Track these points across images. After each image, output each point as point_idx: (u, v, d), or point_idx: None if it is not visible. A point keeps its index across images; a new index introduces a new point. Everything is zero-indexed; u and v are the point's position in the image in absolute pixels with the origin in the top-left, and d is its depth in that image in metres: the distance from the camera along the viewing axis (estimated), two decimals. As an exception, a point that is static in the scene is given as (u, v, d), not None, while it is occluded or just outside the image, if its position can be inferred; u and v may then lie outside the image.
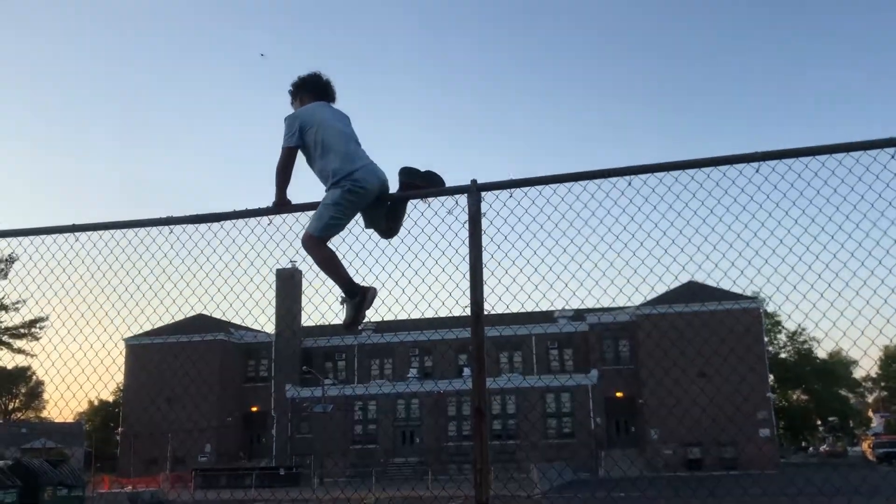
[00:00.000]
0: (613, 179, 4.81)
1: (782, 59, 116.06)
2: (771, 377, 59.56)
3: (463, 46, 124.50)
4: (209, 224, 5.32)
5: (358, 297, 4.47)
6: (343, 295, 4.61)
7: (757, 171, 4.61)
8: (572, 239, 4.98)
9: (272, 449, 58.63)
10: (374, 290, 4.53)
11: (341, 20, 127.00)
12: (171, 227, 5.31)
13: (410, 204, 4.92)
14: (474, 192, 4.73)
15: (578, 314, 57.69)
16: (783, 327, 71.55)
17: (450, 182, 4.88)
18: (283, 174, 4.67)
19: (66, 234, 5.48)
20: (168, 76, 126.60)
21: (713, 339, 45.63)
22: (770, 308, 52.33)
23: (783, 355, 73.42)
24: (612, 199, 4.82)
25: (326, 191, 4.54)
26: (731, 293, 46.43)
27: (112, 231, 5.45)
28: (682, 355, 46.37)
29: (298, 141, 4.59)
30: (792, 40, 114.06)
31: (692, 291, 45.25)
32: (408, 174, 4.86)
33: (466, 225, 4.72)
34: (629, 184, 4.78)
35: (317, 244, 4.54)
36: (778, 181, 4.59)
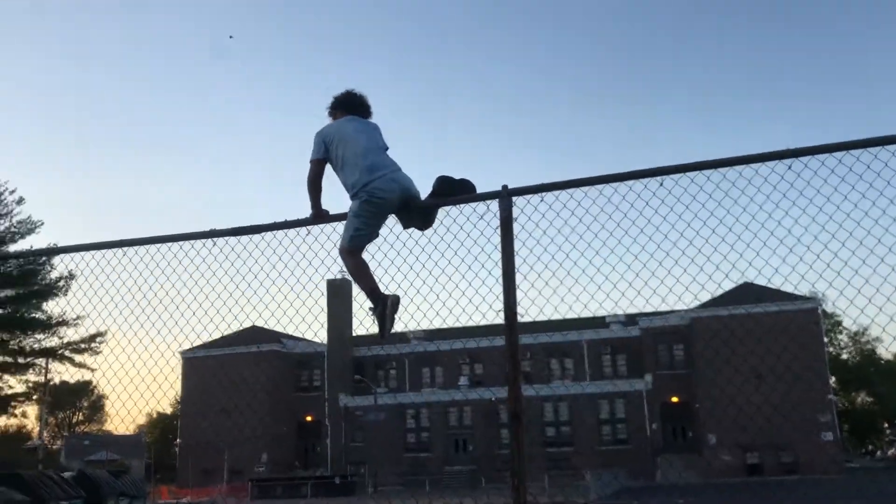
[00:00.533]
0: (648, 181, 4.80)
1: (821, 48, 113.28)
2: (833, 379, 58.00)
3: (492, 51, 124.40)
4: (250, 236, 5.48)
5: (379, 306, 4.58)
6: (370, 304, 4.73)
7: (806, 166, 4.51)
8: (604, 241, 4.98)
9: (327, 458, 59.20)
10: (396, 297, 4.62)
11: (366, 28, 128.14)
12: (215, 239, 5.47)
13: (443, 211, 5.01)
14: (505, 196, 4.77)
15: (631, 319, 57.04)
16: (843, 328, 69.64)
17: (482, 188, 4.94)
18: (312, 186, 4.93)
19: (115, 249, 5.68)
20: (196, 88, 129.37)
21: (770, 341, 44.68)
22: (829, 308, 51.09)
23: (845, 356, 71.44)
24: (654, 199, 4.78)
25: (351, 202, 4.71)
26: (787, 293, 45.44)
27: (158, 245, 5.63)
28: (739, 358, 45.48)
29: (323, 155, 4.85)
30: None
31: (747, 293, 44.44)
32: (440, 182, 4.98)
33: (498, 230, 4.78)
34: (664, 185, 4.76)
35: (348, 254, 4.74)
36: (828, 175, 4.50)
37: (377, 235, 4.80)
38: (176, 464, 63.05)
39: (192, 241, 5.55)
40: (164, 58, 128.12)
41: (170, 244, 5.65)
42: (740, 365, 45.47)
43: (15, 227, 34.55)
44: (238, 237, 5.48)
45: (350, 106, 5.02)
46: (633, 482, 45.85)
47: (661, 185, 4.72)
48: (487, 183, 4.94)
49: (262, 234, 5.46)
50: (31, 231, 32.85)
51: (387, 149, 4.90)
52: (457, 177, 5.02)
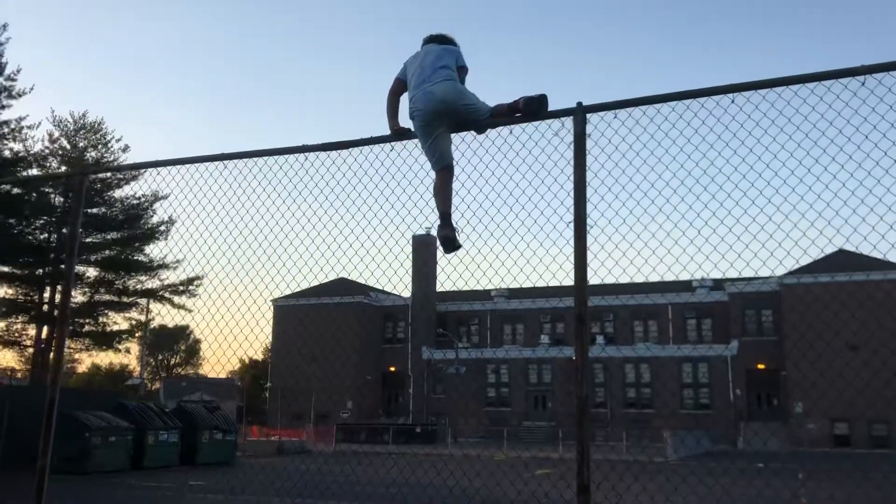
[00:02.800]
0: (725, 99, 4.83)
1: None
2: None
3: None
4: (339, 152, 5.83)
5: (442, 231, 5.02)
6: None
7: None
8: (682, 163, 5.01)
9: (409, 408, 60.72)
10: (441, 236, 4.98)
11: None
12: (307, 154, 5.85)
13: (520, 128, 5.23)
14: (580, 112, 4.97)
15: (718, 284, 55.87)
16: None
17: (556, 105, 5.12)
18: (388, 103, 5.34)
19: (217, 163, 6.15)
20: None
21: (865, 312, 43.07)
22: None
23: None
24: (735, 121, 4.81)
25: None
26: (885, 262, 43.59)
27: (255, 159, 6.05)
28: (831, 328, 43.99)
29: (402, 75, 5.29)
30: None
31: (842, 260, 42.88)
32: (520, 102, 5.12)
33: (572, 146, 4.98)
34: (736, 101, 4.79)
35: (436, 172, 5.12)
36: None
37: (440, 151, 5.02)
38: (266, 407, 65.83)
39: (286, 156, 5.96)
40: None
41: (267, 160, 6.07)
42: (832, 335, 44.01)
43: (122, 174, 36.32)
44: (328, 153, 5.86)
45: (432, 38, 5.41)
46: (714, 447, 45.35)
47: (734, 101, 4.77)
48: (562, 100, 5.07)
49: (350, 150, 5.82)
50: (135, 178, 34.59)
51: (451, 68, 5.08)
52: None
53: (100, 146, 38.65)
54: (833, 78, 4.50)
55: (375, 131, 5.53)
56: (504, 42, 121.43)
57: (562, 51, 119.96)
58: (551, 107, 5.07)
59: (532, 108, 4.99)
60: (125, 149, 39.18)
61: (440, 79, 5.00)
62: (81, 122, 38.62)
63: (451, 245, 5.03)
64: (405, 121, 5.28)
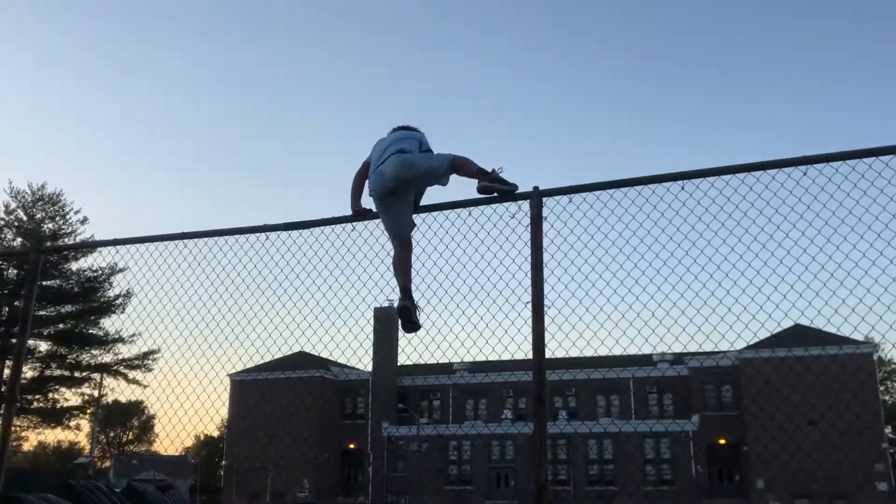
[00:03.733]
0: (686, 184, 5.00)
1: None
2: (889, 428, 56.17)
3: (525, 55, 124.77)
4: (300, 232, 5.89)
5: (401, 302, 5.10)
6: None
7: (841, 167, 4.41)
8: (635, 246, 5.16)
9: (368, 487, 59.29)
10: (399, 308, 5.06)
11: (407, 29, 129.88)
12: (268, 234, 5.89)
13: (478, 210, 5.36)
14: (536, 197, 5.11)
15: (678, 358, 56.32)
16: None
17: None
18: (353, 184, 5.53)
19: (177, 241, 6.15)
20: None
21: (822, 386, 43.65)
22: (886, 354, 49.74)
23: (902, 405, 69.02)
24: (686, 206, 4.97)
25: None
26: (841, 337, 44.44)
27: (216, 238, 6.06)
28: (790, 402, 44.45)
29: (368, 158, 5.48)
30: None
31: (798, 334, 43.61)
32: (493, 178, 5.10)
33: (528, 228, 5.10)
34: (685, 188, 4.98)
35: (394, 246, 5.28)
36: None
37: (398, 224, 5.18)
38: (221, 485, 63.78)
39: (246, 236, 5.99)
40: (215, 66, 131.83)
41: (227, 240, 6.08)
42: (791, 409, 44.43)
43: (78, 245, 35.75)
44: (289, 232, 5.91)
45: (399, 127, 5.56)
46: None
47: (683, 188, 4.97)
48: (520, 184, 5.15)
49: (311, 230, 5.89)
50: (93, 249, 34.05)
51: (409, 151, 5.18)
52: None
53: (57, 217, 38.17)
54: (777, 167, 4.75)
55: (336, 213, 5.61)
56: (462, 123, 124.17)
57: (518, 134, 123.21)
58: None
59: (496, 194, 5.07)
60: (84, 220, 38.72)
61: (389, 155, 5.14)
62: (40, 193, 38.20)
63: (409, 319, 5.07)
64: (370, 202, 5.41)
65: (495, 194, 5.04)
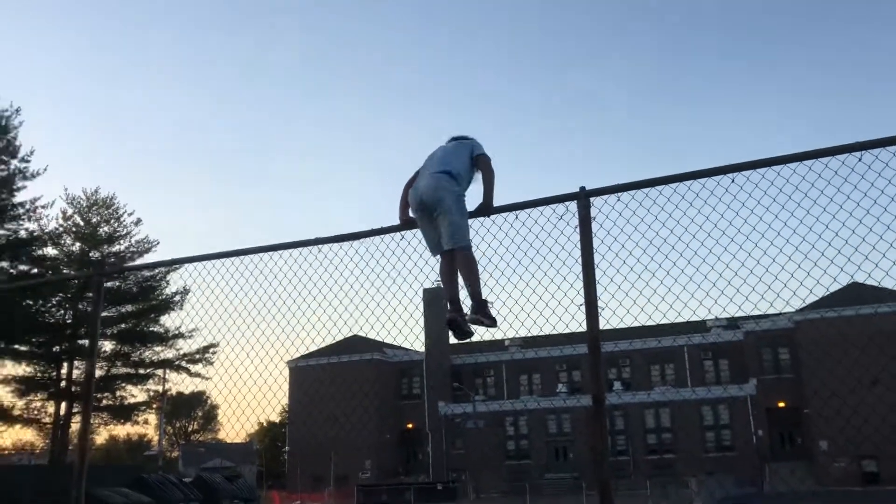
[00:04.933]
0: (721, 178, 4.98)
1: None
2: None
3: (572, 57, 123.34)
4: (351, 242, 5.99)
5: (448, 314, 5.13)
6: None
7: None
8: (687, 243, 5.09)
9: (428, 465, 60.01)
10: (450, 319, 5.09)
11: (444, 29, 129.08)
12: (320, 246, 6.01)
13: (525, 213, 5.38)
14: (583, 197, 5.11)
15: (732, 322, 55.52)
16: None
17: (559, 189, 5.27)
18: (403, 193, 5.56)
19: (233, 258, 6.31)
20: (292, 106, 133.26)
21: (884, 343, 42.64)
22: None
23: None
24: (737, 199, 4.92)
25: None
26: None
27: (270, 253, 6.21)
28: (851, 361, 43.50)
29: (420, 169, 5.47)
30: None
31: (855, 292, 42.57)
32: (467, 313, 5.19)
33: (577, 229, 5.10)
34: (736, 181, 4.92)
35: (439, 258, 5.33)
36: None
37: (434, 240, 5.20)
38: (285, 470, 65.21)
39: (299, 249, 6.12)
40: (279, 74, 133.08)
41: (281, 252, 6.24)
42: (851, 368, 43.52)
43: (133, 246, 36.88)
44: (341, 244, 6.02)
45: (453, 138, 5.62)
46: (740, 489, 44.55)
47: (733, 181, 4.94)
48: (566, 185, 5.19)
49: (362, 240, 5.99)
50: (148, 250, 35.13)
51: (455, 168, 5.22)
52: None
53: (112, 220, 39.19)
54: (830, 154, 4.67)
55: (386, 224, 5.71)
56: (508, 127, 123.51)
57: (564, 135, 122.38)
58: (554, 192, 5.25)
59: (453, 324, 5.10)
60: (137, 222, 39.73)
61: (433, 170, 5.21)
62: (94, 198, 39.23)
63: (458, 329, 5.12)
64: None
65: (471, 329, 5.07)
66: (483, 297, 5.06)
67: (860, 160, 4.58)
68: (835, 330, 45.24)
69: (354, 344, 58.05)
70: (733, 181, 4.87)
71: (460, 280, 5.17)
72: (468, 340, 5.39)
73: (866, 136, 4.57)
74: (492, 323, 5.07)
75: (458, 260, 5.11)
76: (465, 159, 5.32)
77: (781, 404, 52.13)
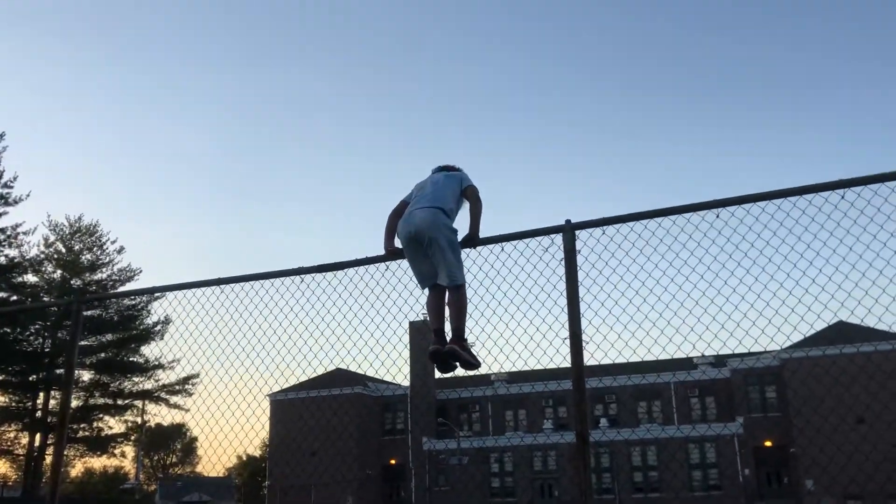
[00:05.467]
0: (707, 213, 4.97)
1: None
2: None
3: (557, 91, 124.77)
4: (335, 273, 5.92)
5: (432, 346, 5.11)
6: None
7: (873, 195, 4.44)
8: (672, 278, 5.06)
9: (411, 502, 59.19)
10: (433, 351, 5.05)
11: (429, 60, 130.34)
12: (303, 276, 5.93)
13: (511, 245, 5.35)
14: (569, 230, 5.09)
15: (720, 360, 55.54)
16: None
17: (544, 222, 5.25)
18: (388, 222, 5.47)
19: (213, 287, 6.22)
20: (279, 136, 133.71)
21: (870, 383, 42.75)
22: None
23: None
24: (722, 234, 4.92)
25: None
26: (885, 332, 43.51)
27: (252, 283, 6.13)
28: (837, 400, 43.61)
29: (406, 198, 5.45)
30: None
31: (841, 331, 42.76)
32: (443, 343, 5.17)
33: (563, 262, 5.07)
34: (721, 216, 4.92)
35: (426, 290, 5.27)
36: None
37: (424, 273, 5.13)
38: (264, 506, 64.13)
39: (282, 279, 6.04)
40: (259, 108, 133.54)
41: (263, 281, 6.15)
42: (837, 406, 43.55)
43: (116, 274, 36.53)
44: (324, 274, 5.95)
45: (440, 168, 5.58)
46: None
47: (718, 216, 4.93)
48: (551, 217, 5.19)
49: (346, 270, 5.92)
50: (130, 278, 34.81)
51: (449, 202, 5.20)
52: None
53: (94, 248, 38.90)
54: (813, 192, 4.68)
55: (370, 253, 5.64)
56: (494, 159, 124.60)
57: (550, 168, 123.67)
58: (540, 224, 5.23)
59: (457, 363, 5.07)
60: (120, 250, 39.45)
61: (427, 204, 5.13)
62: (77, 224, 38.95)
63: (441, 362, 5.07)
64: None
65: (456, 363, 5.01)
66: (465, 337, 5.02)
67: (843, 198, 4.60)
68: (820, 368, 45.32)
69: (337, 377, 57.61)
70: (718, 216, 4.88)
71: (447, 313, 5.13)
72: (452, 375, 5.32)
73: (853, 173, 4.59)
74: (473, 360, 5.02)
75: (451, 297, 5.07)
76: (456, 192, 5.30)
77: (768, 443, 51.94)
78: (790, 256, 4.73)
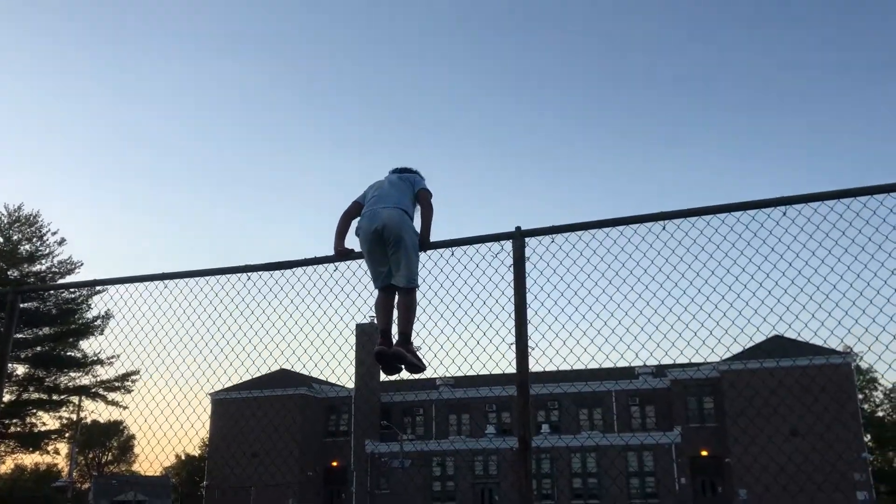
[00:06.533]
0: (654, 225, 5.05)
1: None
2: (868, 437, 56.66)
3: (508, 99, 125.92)
4: (283, 272, 5.86)
5: (377, 346, 5.10)
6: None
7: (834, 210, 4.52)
8: (618, 287, 5.16)
9: (352, 504, 58.84)
10: (378, 352, 5.04)
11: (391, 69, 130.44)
12: (249, 274, 5.86)
13: (461, 250, 5.37)
14: (518, 237, 5.13)
15: (660, 370, 56.53)
16: (879, 384, 68.08)
17: (495, 228, 5.30)
18: (339, 222, 5.39)
19: (157, 282, 6.10)
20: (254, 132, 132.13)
21: (804, 396, 43.99)
22: (864, 364, 50.29)
23: (880, 413, 69.71)
24: (668, 244, 5.02)
25: None
26: (820, 347, 44.86)
27: (196, 279, 6.03)
28: (772, 412, 44.75)
29: (360, 199, 5.37)
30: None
31: (778, 344, 43.94)
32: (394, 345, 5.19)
33: (511, 269, 5.11)
34: (682, 227, 5.01)
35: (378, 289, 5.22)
36: (853, 218, 4.49)
37: (381, 273, 5.07)
38: (202, 506, 63.00)
39: (227, 276, 5.95)
40: (211, 94, 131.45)
41: (208, 278, 6.06)
42: (772, 419, 44.71)
43: (56, 266, 35.54)
44: (272, 272, 5.88)
45: (396, 169, 5.50)
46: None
47: (664, 228, 5.03)
48: (502, 224, 5.22)
49: (294, 269, 5.86)
50: (70, 271, 33.90)
51: (408, 203, 5.19)
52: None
53: (34, 239, 37.80)
54: (755, 208, 4.81)
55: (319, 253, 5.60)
56: (447, 162, 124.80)
57: (500, 174, 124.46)
58: (490, 230, 5.27)
59: (402, 366, 5.10)
60: (61, 242, 38.41)
61: (387, 203, 5.10)
62: (16, 214, 37.81)
63: (387, 363, 5.07)
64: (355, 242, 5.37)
65: (402, 365, 5.03)
66: (412, 340, 5.03)
67: (784, 214, 4.73)
68: (758, 379, 46.49)
69: (281, 377, 56.97)
70: (664, 228, 4.96)
71: (395, 315, 5.13)
72: (397, 377, 5.32)
73: (800, 190, 4.72)
74: (419, 364, 5.03)
75: (402, 298, 5.06)
76: (411, 194, 5.29)
77: (704, 452, 53.01)
78: (732, 270, 4.85)
